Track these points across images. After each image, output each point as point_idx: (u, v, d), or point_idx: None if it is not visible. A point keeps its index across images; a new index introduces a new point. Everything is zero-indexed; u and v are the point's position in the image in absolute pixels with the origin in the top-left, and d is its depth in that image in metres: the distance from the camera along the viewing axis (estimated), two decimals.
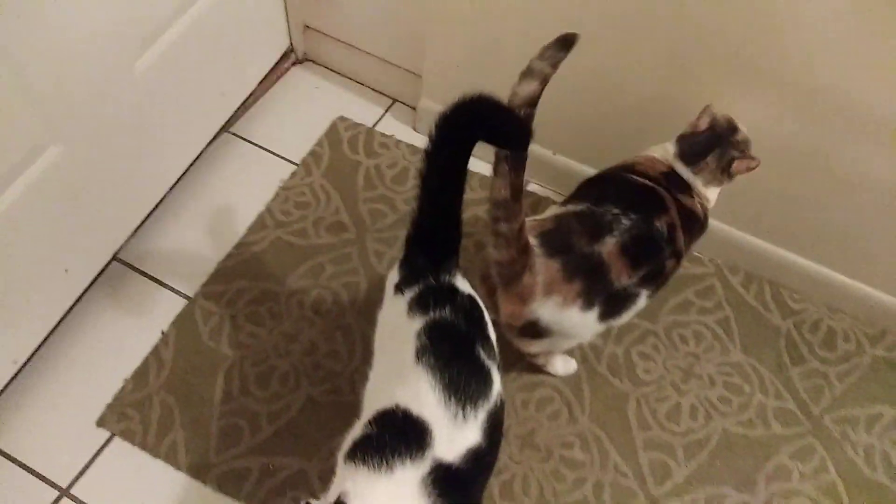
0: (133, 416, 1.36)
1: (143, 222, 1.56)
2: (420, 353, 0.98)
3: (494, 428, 0.97)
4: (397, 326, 1.05)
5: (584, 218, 1.21)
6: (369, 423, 0.96)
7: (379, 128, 1.81)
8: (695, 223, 1.28)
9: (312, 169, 1.71)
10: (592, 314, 1.18)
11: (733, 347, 1.54)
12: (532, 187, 1.75)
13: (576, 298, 1.16)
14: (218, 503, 1.29)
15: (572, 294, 1.16)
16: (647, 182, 1.26)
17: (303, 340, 1.47)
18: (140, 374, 1.40)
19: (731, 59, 1.30)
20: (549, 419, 1.42)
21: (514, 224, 1.10)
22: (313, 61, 1.92)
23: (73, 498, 1.29)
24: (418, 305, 1.03)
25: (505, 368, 1.44)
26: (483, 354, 1.00)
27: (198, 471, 1.31)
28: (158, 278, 1.53)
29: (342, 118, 1.81)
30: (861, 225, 1.42)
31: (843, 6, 1.15)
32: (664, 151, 1.31)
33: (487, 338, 1.04)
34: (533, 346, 1.35)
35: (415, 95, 1.78)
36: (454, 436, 0.93)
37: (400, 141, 1.78)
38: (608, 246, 1.16)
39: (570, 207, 1.25)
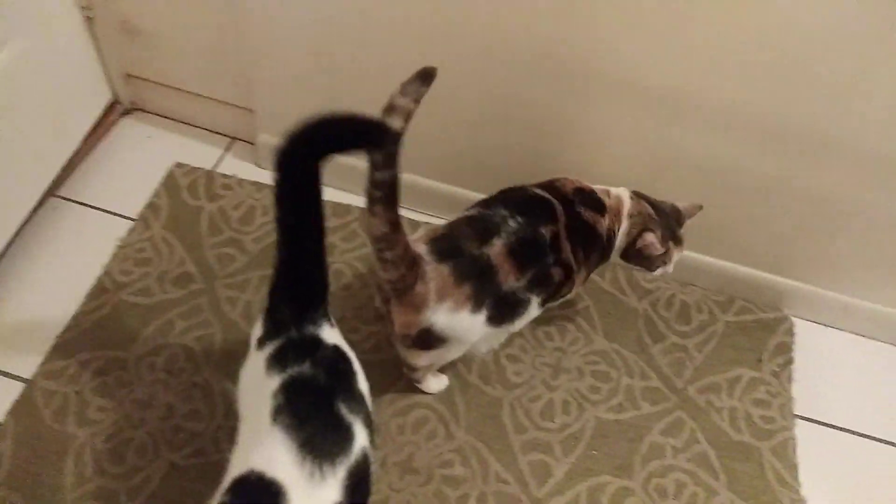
0: None
1: None
2: (275, 413, 0.93)
3: (358, 484, 0.93)
4: (256, 385, 1.00)
5: (475, 221, 1.23)
6: (225, 493, 0.91)
7: (220, 169, 1.75)
8: (594, 240, 1.31)
9: (151, 222, 1.63)
10: (481, 317, 1.20)
11: (597, 336, 1.57)
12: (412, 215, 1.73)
13: (466, 301, 1.17)
14: None
15: (462, 297, 1.17)
16: (543, 194, 1.28)
17: (158, 405, 1.38)
18: None
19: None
20: (427, 440, 1.40)
21: (398, 249, 1.12)
22: (142, 109, 1.83)
23: None
24: (276, 361, 0.99)
25: (377, 394, 1.42)
26: (344, 409, 0.96)
27: None
28: None
29: (179, 164, 1.73)
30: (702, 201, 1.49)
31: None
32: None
33: (351, 390, 1.00)
34: (422, 359, 1.33)
35: (252, 131, 1.73)
36: (312, 496, 0.88)
37: (243, 180, 1.72)
38: (496, 248, 1.18)
39: (463, 213, 1.26)
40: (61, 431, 1.33)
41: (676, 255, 1.37)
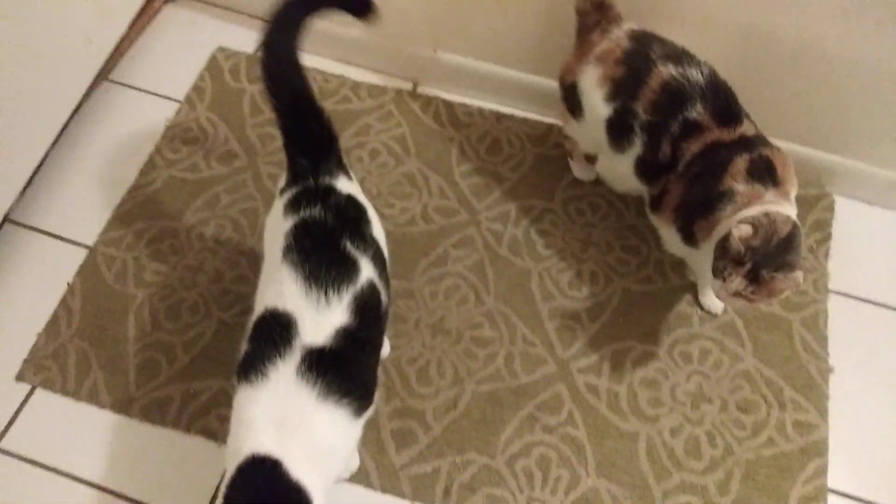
0: (50, 366, 1.38)
1: (30, 181, 1.55)
2: (286, 252, 1.03)
3: (365, 308, 1.01)
4: (275, 228, 1.09)
5: (673, 51, 1.27)
6: (247, 340, 1.02)
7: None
8: (709, 179, 1.24)
9: (196, 104, 1.70)
10: (605, 110, 1.29)
11: (628, 212, 1.58)
12: (422, 89, 1.75)
13: (608, 82, 1.27)
14: (145, 433, 1.32)
15: (610, 75, 1.27)
16: (740, 111, 1.27)
17: (208, 270, 1.48)
18: (52, 326, 1.42)
19: None
20: (458, 305, 1.46)
21: None
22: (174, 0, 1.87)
23: (4, 452, 1.31)
24: (292, 206, 1.08)
25: (411, 264, 1.49)
26: (350, 246, 1.04)
27: (121, 406, 1.34)
28: (56, 233, 1.53)
29: (221, 49, 1.78)
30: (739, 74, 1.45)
31: None
32: None
33: (359, 232, 1.08)
34: (569, 125, 1.45)
35: None
36: (319, 320, 0.98)
37: None
38: (661, 74, 1.23)
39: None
40: (122, 291, 1.45)
41: (737, 286, 1.14)
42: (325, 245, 1.03)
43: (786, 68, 1.44)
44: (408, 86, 1.75)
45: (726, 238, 1.14)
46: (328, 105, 1.70)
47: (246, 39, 1.81)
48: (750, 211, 1.16)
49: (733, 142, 1.22)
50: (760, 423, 1.35)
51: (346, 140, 1.65)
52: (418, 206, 1.58)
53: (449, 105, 1.72)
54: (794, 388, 1.39)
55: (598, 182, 1.60)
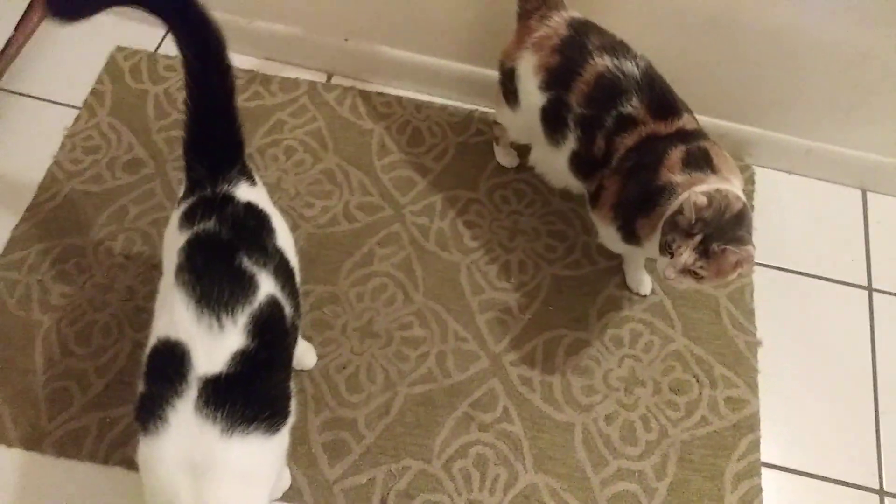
0: None
1: None
2: (178, 272, 0.96)
3: (265, 327, 0.95)
4: (170, 245, 1.02)
5: (610, 40, 1.24)
6: (142, 378, 0.95)
7: (163, 50, 1.69)
8: (648, 173, 1.19)
9: (97, 109, 1.59)
10: (541, 99, 1.26)
11: (553, 197, 1.56)
12: (337, 80, 1.68)
13: (543, 71, 1.24)
14: (60, 469, 1.25)
15: (545, 64, 1.24)
16: (676, 100, 1.24)
17: (119, 288, 1.40)
18: None
19: None
20: (386, 305, 1.42)
21: None
22: None
23: None
24: (186, 220, 1.01)
25: (335, 269, 1.44)
26: (247, 261, 0.97)
27: (32, 443, 1.26)
28: None
29: (120, 48, 1.68)
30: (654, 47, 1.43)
31: None
32: None
33: (259, 245, 1.01)
34: (503, 112, 1.42)
35: None
36: (213, 346, 0.91)
37: None
38: (597, 65, 1.20)
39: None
40: (26, 318, 1.36)
41: (687, 259, 1.08)
42: (219, 262, 0.96)
43: (708, 44, 1.43)
44: (322, 77, 1.68)
45: (678, 210, 1.09)
46: (238, 102, 1.61)
47: (146, 36, 1.71)
48: (702, 187, 1.11)
49: (669, 135, 1.18)
50: (693, 403, 1.36)
51: (259, 139, 1.58)
52: (340, 205, 1.52)
53: (366, 95, 1.66)
54: (724, 364, 1.40)
55: (521, 167, 1.57)
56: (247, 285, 0.95)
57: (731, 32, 1.38)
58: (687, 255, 1.08)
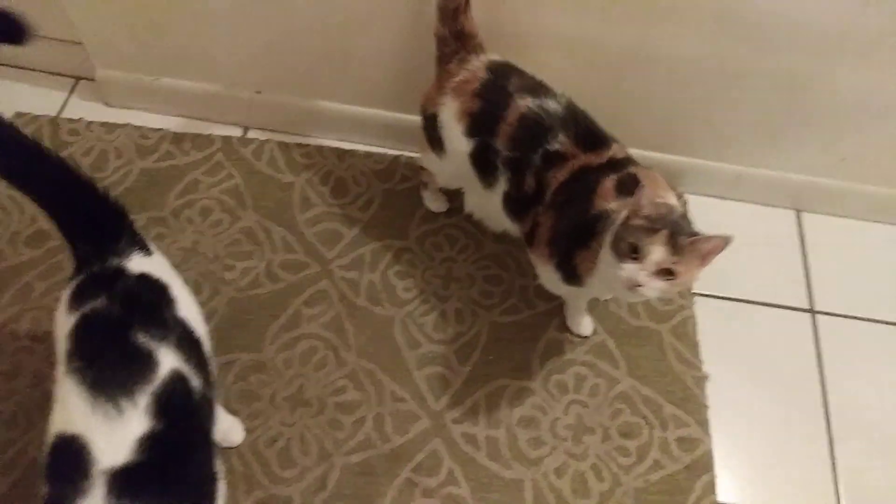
0: None
1: None
2: (68, 358, 0.88)
3: (171, 405, 0.88)
4: (61, 329, 0.94)
5: (529, 82, 1.21)
6: (43, 478, 0.85)
7: (66, 113, 1.60)
8: (580, 205, 1.15)
9: None
10: (467, 145, 1.22)
11: (486, 240, 1.50)
12: (253, 134, 1.61)
13: (466, 117, 1.20)
14: None
15: (466, 110, 1.20)
16: (601, 131, 1.20)
17: (25, 374, 1.29)
18: None
19: None
20: (316, 370, 1.34)
21: (450, 1, 1.18)
22: None
23: None
24: (74, 301, 0.93)
25: (259, 334, 1.36)
26: (143, 337, 0.90)
27: None
28: None
29: (19, 114, 1.58)
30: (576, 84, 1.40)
31: None
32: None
33: (156, 317, 0.94)
34: (427, 157, 1.35)
35: (90, 67, 1.57)
36: (115, 434, 0.83)
37: (91, 122, 1.58)
38: (519, 106, 1.17)
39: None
40: None
41: (658, 256, 0.98)
42: (112, 342, 0.89)
43: (629, 78, 1.40)
44: (237, 132, 1.61)
45: (630, 215, 1.01)
46: (148, 164, 1.53)
47: (49, 101, 1.62)
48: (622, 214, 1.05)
49: (601, 165, 1.15)
50: (644, 447, 1.30)
51: (172, 200, 1.49)
52: (262, 265, 1.44)
53: (284, 147, 1.59)
54: (672, 402, 1.35)
55: (451, 212, 1.52)
56: (145, 363, 0.88)
57: (647, 65, 1.36)
58: (658, 252, 0.98)
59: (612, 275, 1.04)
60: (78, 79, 1.65)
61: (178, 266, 1.37)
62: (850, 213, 1.61)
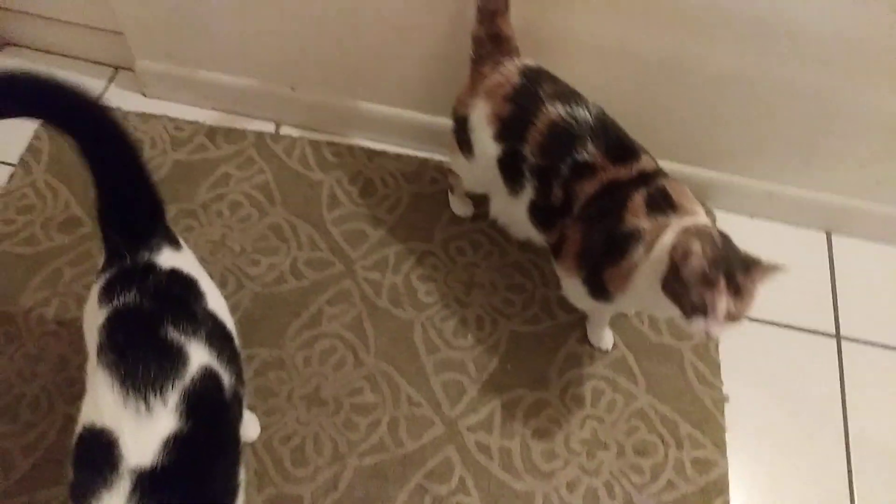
0: None
1: None
2: (99, 352, 0.89)
3: (201, 403, 0.88)
4: (91, 323, 0.95)
5: (563, 88, 1.21)
6: (70, 464, 0.87)
7: (104, 102, 1.62)
8: (611, 220, 1.14)
9: (32, 166, 1.52)
10: (496, 149, 1.22)
11: (510, 247, 1.50)
12: (285, 130, 1.63)
13: (497, 120, 1.20)
14: None
15: (498, 113, 1.19)
16: (631, 142, 1.19)
17: (50, 358, 1.32)
18: None
19: None
20: (334, 370, 1.35)
21: (488, 2, 1.19)
22: (14, 44, 1.68)
23: None
24: (106, 293, 0.94)
25: (280, 331, 1.37)
26: (173, 332, 0.91)
27: None
28: None
29: None
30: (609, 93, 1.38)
31: None
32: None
33: (185, 310, 0.95)
34: (457, 160, 1.35)
35: (130, 57, 1.59)
36: (143, 433, 0.84)
37: (128, 112, 1.60)
38: (551, 113, 1.16)
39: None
40: None
41: (726, 305, 0.98)
42: (143, 337, 0.90)
43: (662, 88, 1.39)
44: (270, 128, 1.62)
45: (679, 273, 1.00)
46: (181, 156, 1.55)
47: (87, 87, 1.63)
48: (665, 239, 1.05)
49: (631, 179, 1.13)
50: (659, 466, 1.30)
51: (203, 193, 1.51)
52: (287, 261, 1.45)
53: (315, 145, 1.60)
54: (690, 423, 1.34)
55: (477, 217, 1.52)
56: (175, 359, 0.88)
57: (682, 76, 1.34)
58: (723, 303, 0.98)
59: (650, 300, 1.07)
60: (118, 68, 1.67)
61: (205, 259, 1.43)
62: (883, 238, 1.58)
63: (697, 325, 1.01)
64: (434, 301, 1.43)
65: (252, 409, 1.28)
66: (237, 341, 1.03)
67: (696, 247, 0.99)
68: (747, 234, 1.55)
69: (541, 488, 1.26)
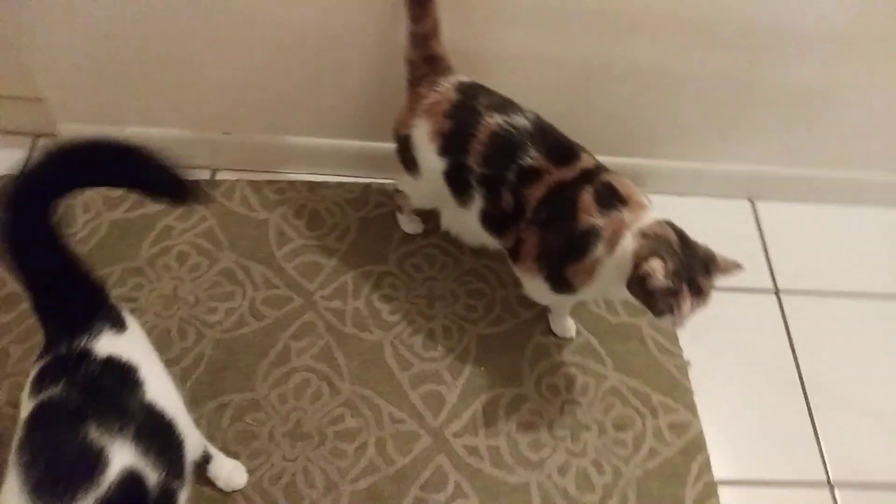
0: None
1: None
2: (16, 450, 0.83)
3: None
4: (21, 413, 0.89)
5: (497, 99, 1.25)
6: None
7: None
8: (565, 221, 1.19)
9: None
10: (440, 164, 1.25)
11: (464, 256, 1.54)
12: (222, 175, 1.62)
13: (438, 136, 1.24)
14: None
15: (438, 129, 1.23)
16: (570, 142, 1.25)
17: (9, 443, 1.25)
18: None
19: None
20: (312, 402, 1.34)
21: (420, 27, 1.23)
22: None
23: None
24: (36, 384, 0.89)
25: (250, 373, 1.36)
26: (96, 431, 0.84)
27: None
28: None
29: None
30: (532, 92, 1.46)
31: None
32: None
33: (115, 407, 0.88)
34: (403, 178, 1.38)
35: (51, 123, 1.55)
36: None
37: None
38: (490, 123, 1.21)
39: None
40: None
41: (691, 306, 1.09)
42: (61, 438, 0.83)
43: (588, 88, 1.47)
44: (205, 175, 1.61)
45: (644, 285, 1.07)
46: (117, 215, 1.52)
47: (7, 161, 1.54)
48: (626, 244, 1.12)
49: (575, 179, 1.19)
50: (639, 437, 1.35)
51: (146, 250, 1.48)
52: (245, 304, 1.44)
53: (255, 185, 1.60)
54: (660, 391, 1.41)
55: (427, 233, 1.56)
56: (93, 464, 0.81)
57: (603, 74, 1.43)
58: (689, 304, 1.09)
59: (614, 291, 1.17)
60: (38, 136, 1.63)
61: (159, 314, 1.40)
62: (799, 198, 1.72)
63: (665, 321, 1.12)
64: (399, 319, 1.45)
65: (236, 455, 1.26)
66: (182, 427, 0.97)
67: (657, 264, 1.06)
68: (680, 213, 1.66)
69: (534, 477, 1.29)
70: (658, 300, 1.08)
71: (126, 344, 0.95)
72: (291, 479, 1.26)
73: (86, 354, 0.90)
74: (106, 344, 0.92)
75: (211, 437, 1.27)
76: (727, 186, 1.69)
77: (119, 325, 0.96)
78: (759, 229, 1.68)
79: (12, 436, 1.24)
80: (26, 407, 0.87)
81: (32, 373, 0.90)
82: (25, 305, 1.39)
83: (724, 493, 1.31)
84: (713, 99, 1.49)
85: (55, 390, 0.86)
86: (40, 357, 0.91)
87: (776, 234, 1.67)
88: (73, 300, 0.93)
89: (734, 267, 1.13)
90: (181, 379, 1.33)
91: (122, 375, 0.92)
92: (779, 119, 1.55)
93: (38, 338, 1.34)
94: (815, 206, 1.72)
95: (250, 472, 1.25)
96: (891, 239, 1.70)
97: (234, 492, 1.23)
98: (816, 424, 1.41)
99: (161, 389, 0.96)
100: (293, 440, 1.30)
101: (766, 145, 1.60)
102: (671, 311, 1.09)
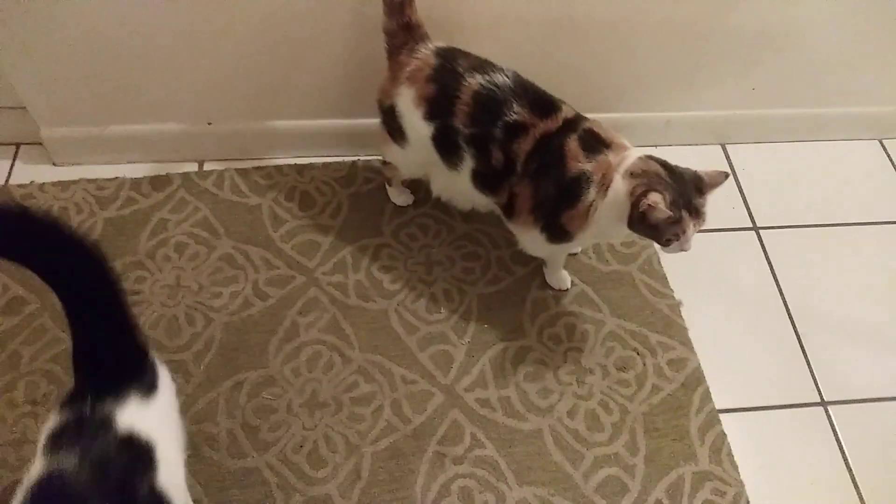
0: None
1: None
2: None
3: None
4: (34, 463, 0.83)
5: (476, 60, 1.29)
6: None
7: (14, 180, 1.58)
8: (556, 169, 1.24)
9: None
10: (427, 129, 1.29)
11: (455, 222, 1.59)
12: (210, 166, 1.64)
13: (423, 102, 1.27)
14: None
15: (423, 95, 1.27)
16: (550, 97, 1.29)
17: (33, 438, 1.27)
18: None
19: None
20: (325, 372, 1.38)
21: None
22: None
23: None
24: (50, 443, 0.82)
25: (262, 351, 1.39)
26: None
27: None
28: None
29: None
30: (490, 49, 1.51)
31: None
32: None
33: (124, 494, 0.83)
34: (389, 149, 1.42)
35: (34, 130, 1.56)
36: None
37: (44, 183, 1.57)
38: (472, 84, 1.25)
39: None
40: None
41: (693, 229, 1.15)
42: None
43: (558, 46, 1.52)
44: (193, 167, 1.64)
45: (647, 220, 1.13)
46: (111, 213, 1.54)
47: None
48: (617, 185, 1.17)
49: (559, 129, 1.24)
50: (641, 375, 1.41)
51: (144, 243, 1.50)
52: (248, 286, 1.47)
53: (243, 172, 1.63)
54: (656, 331, 1.47)
55: (418, 203, 1.60)
56: None
57: (571, 31, 1.48)
58: (692, 229, 1.16)
59: (610, 232, 1.26)
60: (19, 144, 1.63)
61: (165, 303, 1.42)
62: (767, 137, 1.80)
63: (673, 249, 1.19)
64: (400, 287, 1.50)
65: (256, 428, 1.30)
66: None
67: (657, 197, 1.11)
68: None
69: (546, 423, 1.35)
70: (663, 231, 1.14)
71: (151, 414, 0.90)
72: (314, 447, 1.30)
73: (106, 424, 0.84)
74: (131, 414, 0.86)
75: (230, 414, 1.31)
76: (698, 133, 1.76)
77: (151, 387, 0.91)
78: (733, 171, 1.75)
79: (35, 430, 1.27)
80: (39, 461, 0.81)
81: (53, 422, 0.84)
82: (31, 308, 1.41)
83: (725, 420, 1.38)
84: (672, 48, 1.55)
85: (67, 460, 0.79)
86: (64, 405, 0.85)
87: (749, 174, 1.75)
88: (111, 358, 0.88)
89: (722, 177, 1.19)
90: (194, 363, 1.36)
91: (138, 457, 0.86)
92: (739, 63, 1.62)
93: (49, 336, 1.38)
94: (784, 144, 1.80)
95: (272, 442, 1.29)
96: (856, 170, 1.79)
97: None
98: (806, 349, 1.49)
99: (175, 471, 0.91)
100: (311, 410, 1.33)
101: (731, 90, 1.68)
102: (677, 238, 1.15)
